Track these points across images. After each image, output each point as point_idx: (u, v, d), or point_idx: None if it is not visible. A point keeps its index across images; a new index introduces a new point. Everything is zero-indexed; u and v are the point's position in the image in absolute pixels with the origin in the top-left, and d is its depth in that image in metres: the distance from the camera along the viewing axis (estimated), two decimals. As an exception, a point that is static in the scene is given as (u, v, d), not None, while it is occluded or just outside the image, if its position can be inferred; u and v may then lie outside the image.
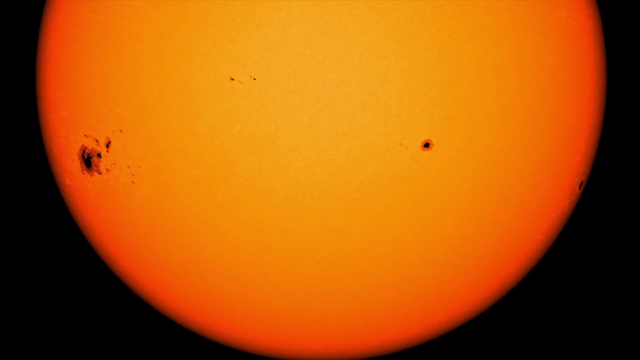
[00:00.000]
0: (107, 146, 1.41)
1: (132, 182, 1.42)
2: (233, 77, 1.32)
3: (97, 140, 1.41)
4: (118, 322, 2.12)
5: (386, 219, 1.41)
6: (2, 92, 2.14)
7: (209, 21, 1.34)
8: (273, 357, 1.69)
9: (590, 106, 1.54)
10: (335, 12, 1.33)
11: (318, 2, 1.32)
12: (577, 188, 1.60)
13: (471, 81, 1.37)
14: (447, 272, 1.50)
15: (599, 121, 1.61)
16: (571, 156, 1.53)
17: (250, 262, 1.46)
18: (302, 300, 1.50)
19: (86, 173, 1.45)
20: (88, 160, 1.44)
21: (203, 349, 2.03)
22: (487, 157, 1.41)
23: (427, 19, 1.34)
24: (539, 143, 1.46)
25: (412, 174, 1.38)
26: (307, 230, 1.41)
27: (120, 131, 1.39)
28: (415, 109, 1.35)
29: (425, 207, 1.41)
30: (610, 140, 2.02)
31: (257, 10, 1.33)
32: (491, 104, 1.39)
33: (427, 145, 1.35)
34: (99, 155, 1.43)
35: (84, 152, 1.44)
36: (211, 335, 1.69)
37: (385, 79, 1.33)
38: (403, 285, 1.50)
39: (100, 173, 1.42)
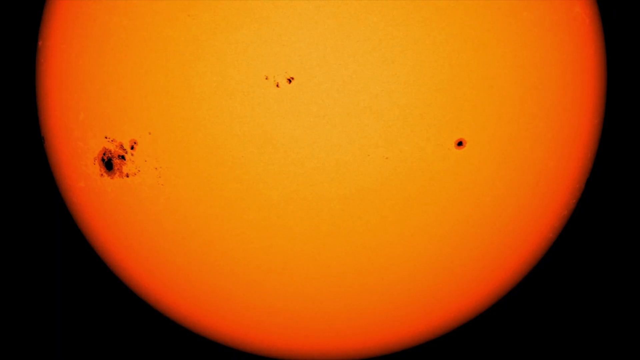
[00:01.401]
0: (132, 148, 1.39)
1: (160, 184, 1.40)
2: (267, 77, 1.31)
3: (121, 143, 1.39)
4: (118, 322, 2.12)
5: (406, 218, 1.41)
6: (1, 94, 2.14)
7: (244, 21, 1.33)
8: (273, 357, 1.69)
9: (599, 102, 1.56)
10: (370, 14, 1.32)
11: (356, 3, 1.32)
12: (584, 185, 1.61)
13: (503, 80, 1.38)
14: (453, 272, 1.50)
15: (602, 117, 1.62)
16: (584, 152, 1.54)
17: (254, 262, 1.46)
18: (303, 300, 1.50)
19: (106, 175, 1.43)
20: (109, 163, 1.42)
21: (203, 349, 2.03)
22: (515, 155, 1.42)
23: (460, 21, 1.35)
24: (561, 140, 1.47)
25: (445, 172, 1.38)
26: (327, 229, 1.41)
27: (149, 133, 1.38)
28: (450, 108, 1.35)
29: (448, 206, 1.41)
30: (610, 140, 2.02)
31: (293, 9, 1.32)
32: (521, 103, 1.40)
33: (460, 143, 1.35)
34: (122, 157, 1.40)
35: (104, 154, 1.42)
36: (211, 335, 1.69)
37: (421, 80, 1.34)
38: (404, 284, 1.50)
39: (127, 176, 1.40)
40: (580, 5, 1.49)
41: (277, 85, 1.32)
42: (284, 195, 1.38)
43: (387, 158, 1.36)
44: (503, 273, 1.59)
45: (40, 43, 1.57)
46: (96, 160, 1.45)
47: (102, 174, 1.44)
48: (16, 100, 2.12)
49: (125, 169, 1.42)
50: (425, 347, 1.81)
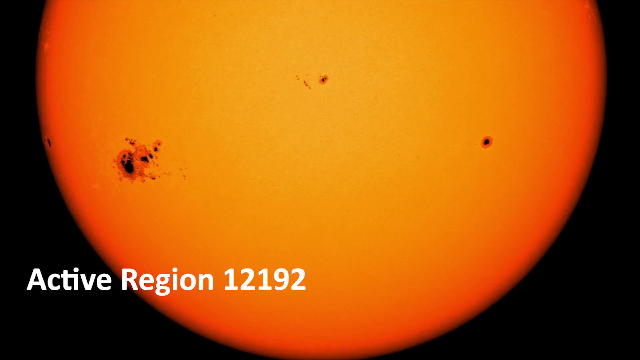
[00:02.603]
0: (156, 150, 1.37)
1: (185, 185, 1.38)
2: (299, 76, 1.31)
3: (144, 145, 1.37)
4: (118, 322, 2.12)
5: (429, 216, 1.41)
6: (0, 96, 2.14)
7: (272, 20, 1.33)
8: (273, 357, 1.69)
9: (603, 99, 1.57)
10: (399, 15, 1.32)
11: (385, 2, 1.32)
12: (585, 184, 1.62)
13: (525, 78, 1.39)
14: (454, 272, 1.50)
15: (603, 116, 1.63)
16: (593, 149, 1.55)
17: (254, 261, 1.46)
18: (303, 300, 1.50)
19: (124, 178, 1.41)
20: (129, 165, 1.41)
21: (203, 349, 2.03)
22: (540, 152, 1.43)
23: (486, 21, 1.36)
24: (576, 137, 1.47)
25: (470, 170, 1.38)
26: (355, 229, 1.41)
27: (174, 134, 1.37)
28: (478, 106, 1.36)
29: (466, 204, 1.41)
30: (610, 140, 2.02)
31: (319, 8, 1.32)
32: (541, 100, 1.41)
33: (487, 142, 1.36)
34: (144, 159, 1.38)
35: (124, 156, 1.40)
36: (211, 335, 1.69)
37: (449, 80, 1.34)
38: (404, 284, 1.50)
39: (152, 178, 1.38)
40: (590, 3, 1.50)
41: (308, 85, 1.31)
42: (313, 195, 1.38)
43: (418, 157, 1.36)
44: (504, 273, 1.59)
45: (46, 46, 1.54)
46: (115, 163, 1.43)
47: (120, 177, 1.42)
48: (14, 101, 2.12)
49: (147, 171, 1.40)
50: (425, 347, 1.81)
